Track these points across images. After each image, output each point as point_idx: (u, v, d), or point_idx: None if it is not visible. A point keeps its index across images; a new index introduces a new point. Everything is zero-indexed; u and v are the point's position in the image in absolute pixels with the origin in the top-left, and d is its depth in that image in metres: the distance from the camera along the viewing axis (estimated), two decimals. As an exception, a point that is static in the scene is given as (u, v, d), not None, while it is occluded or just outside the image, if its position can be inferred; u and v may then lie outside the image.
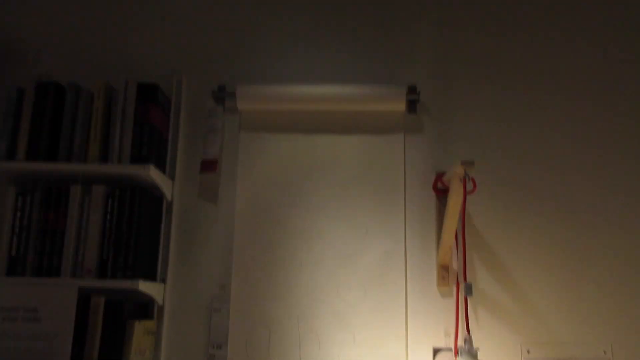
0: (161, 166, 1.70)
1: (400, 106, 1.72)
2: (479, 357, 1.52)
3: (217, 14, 1.89)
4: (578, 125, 1.76)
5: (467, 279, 1.64)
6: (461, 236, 1.53)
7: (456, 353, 1.57)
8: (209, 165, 1.74)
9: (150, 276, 1.65)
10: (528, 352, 1.60)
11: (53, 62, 1.86)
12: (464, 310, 1.60)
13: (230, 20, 1.88)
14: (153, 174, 1.58)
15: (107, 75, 1.71)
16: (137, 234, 1.56)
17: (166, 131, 1.76)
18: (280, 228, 1.70)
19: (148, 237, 1.63)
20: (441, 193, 1.71)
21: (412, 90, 1.77)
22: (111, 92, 1.66)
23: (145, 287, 1.55)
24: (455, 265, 1.67)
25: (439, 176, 1.70)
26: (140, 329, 1.54)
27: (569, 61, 1.81)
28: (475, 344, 1.58)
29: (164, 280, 1.69)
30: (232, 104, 1.79)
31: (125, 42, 1.87)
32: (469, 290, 1.47)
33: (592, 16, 1.83)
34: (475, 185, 1.55)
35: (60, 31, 1.89)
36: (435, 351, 1.61)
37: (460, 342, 1.57)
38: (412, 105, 1.77)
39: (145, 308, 1.66)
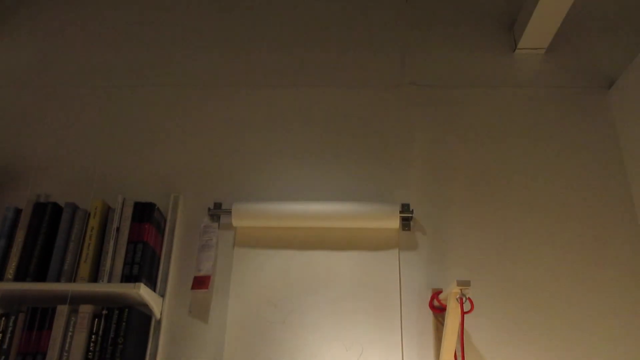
0: (152, 283, 1.68)
1: (394, 223, 1.74)
2: None
3: (213, 135, 1.97)
4: (574, 244, 1.77)
5: (470, 406, 1.55)
6: (461, 356, 1.47)
7: None
8: (201, 282, 1.72)
9: (134, 403, 1.55)
10: None
11: (52, 184, 1.90)
12: None
13: (227, 140, 1.96)
14: (143, 292, 1.55)
15: (104, 196, 1.74)
16: (121, 356, 1.49)
17: (159, 248, 1.75)
18: (273, 347, 1.65)
19: (134, 357, 1.56)
20: (438, 311, 1.67)
21: (405, 208, 1.81)
22: (107, 212, 1.68)
23: (127, 416, 1.45)
24: (456, 388, 1.58)
25: (435, 294, 1.68)
26: None
27: (563, 177, 1.86)
28: None
29: (148, 408, 1.59)
30: (227, 221, 1.81)
31: (123, 162, 1.93)
32: (471, 419, 1.39)
33: (586, 134, 1.92)
34: (472, 305, 1.52)
35: (61, 153, 1.95)
36: None
37: None
38: (405, 223, 1.80)
39: None
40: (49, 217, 1.64)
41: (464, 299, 1.42)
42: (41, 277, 1.58)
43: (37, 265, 1.59)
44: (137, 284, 1.54)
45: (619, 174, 1.86)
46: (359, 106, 2.00)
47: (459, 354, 1.57)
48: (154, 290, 1.69)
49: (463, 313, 1.43)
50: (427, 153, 1.91)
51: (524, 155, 1.90)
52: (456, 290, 1.42)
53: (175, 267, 1.77)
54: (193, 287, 1.71)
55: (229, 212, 1.78)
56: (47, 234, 1.63)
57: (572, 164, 1.88)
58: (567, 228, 1.79)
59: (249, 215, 1.75)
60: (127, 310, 1.55)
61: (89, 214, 1.65)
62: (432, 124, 1.96)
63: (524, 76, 2.03)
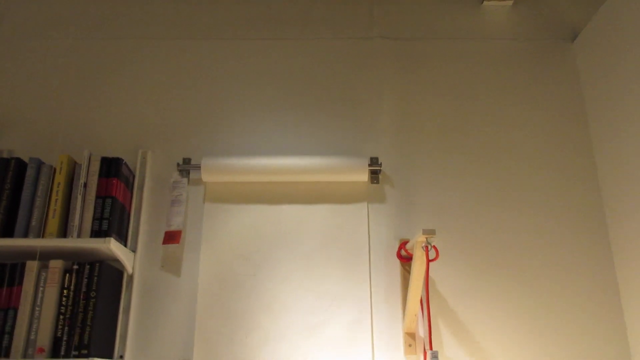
0: (123, 238, 1.69)
1: (363, 177, 1.76)
2: None
3: (182, 89, 1.94)
4: (535, 196, 1.83)
5: (433, 347, 1.63)
6: (426, 303, 1.53)
7: None
8: (172, 237, 1.73)
9: (108, 353, 1.58)
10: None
11: (16, 139, 1.85)
12: (432, 380, 1.57)
13: (195, 95, 1.93)
14: (113, 247, 1.56)
15: (71, 152, 1.71)
16: (94, 309, 1.51)
17: (129, 204, 1.75)
18: (244, 300, 1.68)
19: (106, 312, 1.58)
20: (405, 260, 1.72)
21: (374, 161, 1.83)
22: (74, 167, 1.66)
23: (101, 366, 1.48)
24: (421, 332, 1.65)
25: (403, 244, 1.72)
26: (94, 413, 1.46)
27: (528, 128, 1.90)
28: (445, 417, 1.55)
29: (121, 357, 1.62)
30: (197, 176, 1.81)
31: (90, 117, 1.90)
32: (435, 358, 1.46)
33: (538, 92, 1.96)
34: (437, 253, 1.57)
35: (25, 108, 1.90)
36: None
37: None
38: (374, 176, 1.82)
39: (102, 389, 1.58)
40: (13, 173, 1.61)
41: (429, 247, 1.46)
42: (8, 233, 1.56)
43: (3, 221, 1.57)
44: (107, 238, 1.54)
45: (582, 124, 1.91)
46: (327, 59, 1.99)
47: (424, 301, 1.63)
48: (125, 246, 1.70)
49: (428, 261, 1.48)
50: (396, 106, 1.93)
51: (490, 107, 1.93)
52: (422, 238, 1.46)
53: (145, 223, 1.78)
54: (164, 242, 1.73)
55: (198, 167, 1.78)
56: (11, 189, 1.60)
57: (537, 116, 1.92)
58: (531, 178, 1.85)
59: (218, 171, 1.75)
60: (98, 264, 1.55)
61: (55, 170, 1.63)
62: (400, 77, 1.97)
63: (491, 28, 2.04)
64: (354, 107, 1.92)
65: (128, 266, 1.68)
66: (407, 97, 1.94)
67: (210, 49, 2.00)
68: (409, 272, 1.71)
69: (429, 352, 1.47)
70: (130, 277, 1.70)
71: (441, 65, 1.98)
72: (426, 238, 1.46)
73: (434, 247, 1.50)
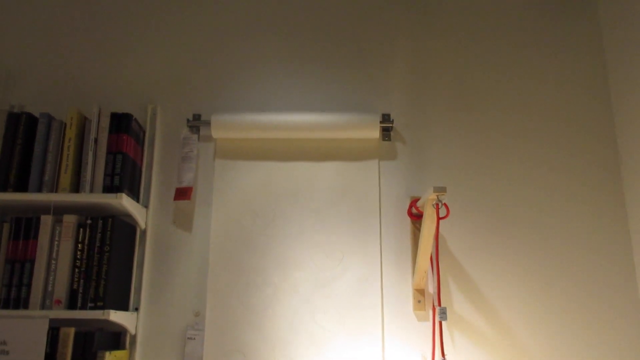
0: (135, 194, 1.70)
1: (375, 134, 1.74)
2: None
3: (191, 44, 1.91)
4: (550, 151, 1.80)
5: (443, 303, 1.65)
6: (435, 261, 1.54)
7: (433, 379, 1.56)
8: (183, 193, 1.74)
9: (123, 305, 1.63)
10: (505, 376, 1.60)
11: (25, 93, 1.85)
12: (439, 334, 1.60)
13: (205, 50, 1.90)
14: (125, 202, 1.57)
15: (81, 106, 1.71)
16: (108, 263, 1.54)
17: (140, 160, 1.76)
18: (255, 255, 1.70)
19: (120, 266, 1.61)
20: (416, 218, 1.72)
21: (385, 118, 1.81)
22: (84, 122, 1.66)
23: (116, 317, 1.52)
24: (431, 289, 1.67)
25: (414, 202, 1.72)
26: (111, 361, 1.51)
27: (547, 83, 1.85)
28: (452, 370, 1.58)
29: (136, 309, 1.66)
30: (207, 133, 1.80)
31: (100, 73, 1.88)
32: (443, 314, 1.47)
33: (571, 38, 1.89)
34: (448, 211, 1.57)
35: (34, 61, 1.89)
36: (413, 378, 1.60)
37: (437, 368, 1.57)
38: (386, 133, 1.80)
39: (118, 338, 1.62)
40: (24, 128, 1.62)
41: (440, 205, 1.45)
42: (22, 188, 1.58)
43: (16, 176, 1.59)
44: (118, 194, 1.55)
45: (601, 79, 1.86)
46: (339, 12, 1.93)
47: (434, 258, 1.64)
48: (137, 201, 1.71)
49: (439, 218, 1.47)
50: (409, 61, 1.88)
51: (508, 62, 1.88)
52: (432, 196, 1.45)
53: (157, 179, 1.78)
54: (175, 198, 1.73)
55: (208, 123, 1.77)
56: (23, 145, 1.61)
57: (555, 69, 1.87)
58: (548, 137, 1.81)
59: (228, 127, 1.74)
60: (111, 219, 1.57)
61: (65, 125, 1.63)
62: (414, 31, 1.91)
63: (510, -20, 1.96)
64: (366, 62, 1.88)
65: (141, 221, 1.70)
66: (421, 52, 1.89)
67: (219, 3, 1.95)
68: (419, 229, 1.71)
69: (437, 309, 1.49)
70: (143, 232, 1.72)
71: (457, 15, 1.92)
72: (437, 196, 1.45)
73: (445, 204, 1.49)
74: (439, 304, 1.59)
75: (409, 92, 1.85)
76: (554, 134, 1.81)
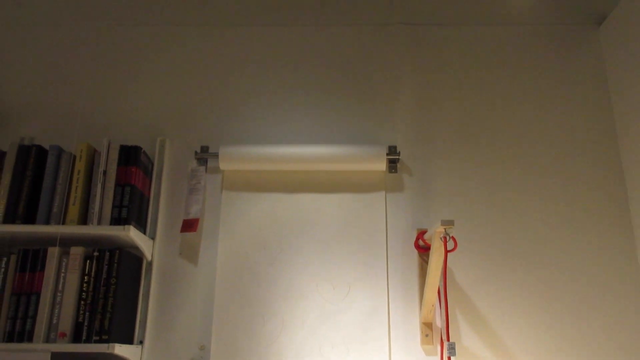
0: (142, 226, 1.70)
1: (381, 165, 1.75)
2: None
3: (199, 77, 1.93)
4: (557, 182, 1.79)
5: (451, 337, 1.62)
6: (443, 294, 1.52)
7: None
8: (190, 225, 1.74)
9: (128, 339, 1.61)
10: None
11: (37, 126, 1.88)
12: (448, 371, 1.57)
13: (213, 83, 1.92)
14: (133, 234, 1.57)
15: (91, 139, 1.73)
16: (114, 295, 1.53)
17: (148, 191, 1.76)
18: (262, 287, 1.69)
19: (126, 298, 1.61)
20: (423, 250, 1.71)
21: (392, 150, 1.81)
22: (94, 155, 1.68)
23: (121, 350, 1.51)
24: (438, 323, 1.65)
25: (420, 234, 1.71)
26: (115, 397, 1.49)
27: (552, 116, 1.86)
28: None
29: (141, 343, 1.64)
30: (215, 164, 1.81)
31: (110, 106, 1.90)
32: (452, 350, 1.45)
33: (562, 78, 1.90)
34: (455, 244, 1.56)
35: (45, 95, 1.92)
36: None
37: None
38: (392, 165, 1.80)
39: (122, 373, 1.60)
40: (34, 160, 1.64)
41: (447, 238, 1.44)
42: (30, 219, 1.59)
43: (25, 208, 1.59)
44: (126, 226, 1.55)
45: (606, 112, 1.86)
46: (345, 46, 1.96)
47: (441, 291, 1.62)
48: (144, 233, 1.71)
49: (446, 251, 1.46)
50: (415, 94, 1.90)
51: (513, 95, 1.89)
52: (440, 229, 1.44)
53: (164, 210, 1.79)
54: (182, 230, 1.73)
55: (216, 155, 1.78)
56: (33, 177, 1.62)
57: (560, 103, 1.87)
58: (554, 168, 1.81)
59: (235, 159, 1.75)
60: (118, 251, 1.57)
61: (75, 157, 1.64)
62: (420, 64, 1.93)
63: (514, 13, 1.98)
64: (372, 95, 1.89)
65: (147, 253, 1.70)
66: (427, 85, 1.91)
67: (227, 36, 1.98)
68: (426, 262, 1.69)
69: (446, 343, 1.46)
70: (150, 264, 1.72)
71: (462, 52, 1.94)
72: (444, 229, 1.44)
73: (453, 237, 1.48)
74: (448, 339, 1.56)
75: (415, 123, 1.86)
76: (561, 165, 1.81)
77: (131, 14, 2.02)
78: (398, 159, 1.80)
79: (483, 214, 1.76)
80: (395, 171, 1.80)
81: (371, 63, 1.93)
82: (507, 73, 1.92)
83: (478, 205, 1.77)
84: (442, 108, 1.88)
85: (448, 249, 1.47)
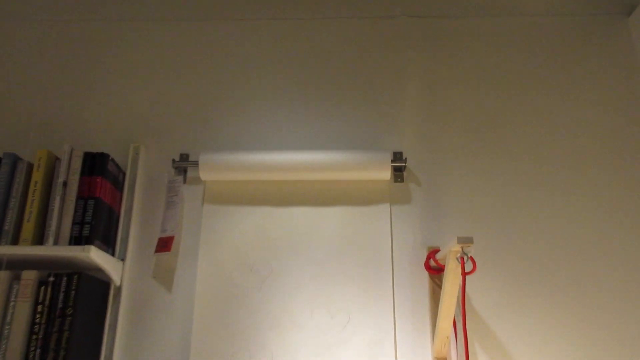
0: (110, 246, 1.51)
1: (385, 174, 1.57)
2: None
3: (179, 75, 1.76)
4: (588, 191, 1.60)
5: (470, 377, 1.39)
6: (461, 324, 1.30)
7: None
8: (165, 244, 1.53)
9: (89, 380, 1.39)
10: None
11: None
12: (468, 417, 1.34)
13: (194, 82, 1.75)
14: (95, 256, 1.37)
15: (55, 147, 1.56)
16: (71, 328, 1.31)
17: (118, 206, 1.56)
18: (248, 316, 1.49)
19: (88, 330, 1.40)
20: (435, 272, 1.52)
21: (397, 156, 1.64)
22: (54, 164, 1.49)
23: (79, 395, 1.28)
24: (454, 358, 1.43)
25: (432, 253, 1.51)
26: None
27: (576, 117, 1.68)
28: None
29: (106, 384, 1.42)
30: (195, 174, 1.64)
31: (76, 108, 1.73)
32: (473, 394, 1.22)
33: (589, 76, 1.72)
34: (474, 265, 1.35)
35: (3, 99, 1.74)
36: None
37: None
38: (398, 173, 1.64)
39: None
40: (-18, 171, 1.44)
41: (465, 258, 1.24)
42: (-25, 239, 1.38)
43: (-32, 226, 1.39)
44: (86, 246, 1.35)
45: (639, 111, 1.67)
46: (344, 40, 1.78)
47: (458, 320, 1.40)
48: (112, 254, 1.52)
49: (464, 274, 1.25)
50: (422, 94, 1.72)
51: (534, 93, 1.71)
52: (457, 248, 1.25)
53: (137, 228, 1.60)
54: (157, 250, 1.54)
55: (196, 164, 1.61)
56: (-21, 189, 1.42)
57: (586, 102, 1.69)
58: (581, 175, 1.62)
59: (218, 168, 1.57)
60: (76, 276, 1.36)
61: (32, 166, 1.46)
62: (427, 61, 1.76)
63: (533, 3, 1.81)
64: (374, 95, 1.72)
65: (115, 277, 1.49)
66: (435, 83, 1.73)
67: (211, 30, 1.81)
68: (439, 286, 1.50)
69: (465, 386, 1.23)
70: (118, 289, 1.51)
71: (474, 47, 1.77)
72: (462, 247, 1.24)
73: (471, 258, 1.27)
74: (467, 378, 1.33)
75: (424, 127, 1.68)
76: (592, 172, 1.61)
77: (99, 7, 1.85)
78: (404, 166, 1.62)
79: (503, 229, 1.57)
80: (402, 180, 1.62)
81: (372, 59, 1.76)
82: (527, 69, 1.74)
83: (497, 219, 1.58)
84: (453, 109, 1.70)
85: (466, 270, 1.26)
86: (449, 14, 1.81)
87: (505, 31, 1.78)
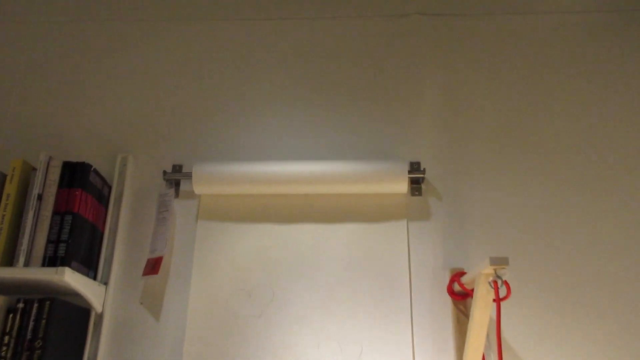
0: (91, 268, 1.38)
1: (402, 187, 1.46)
2: None
3: (172, 79, 1.65)
4: (633, 206, 1.45)
5: (505, 423, 1.22)
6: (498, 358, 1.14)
7: None
8: (154, 266, 1.39)
9: None
10: None
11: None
12: None
13: (188, 86, 1.64)
14: (69, 279, 1.22)
15: (30, 156, 1.44)
16: (40, 364, 1.15)
17: (102, 223, 1.43)
18: (246, 347, 1.37)
19: (65, 365, 1.23)
20: (459, 298, 1.38)
21: (415, 167, 1.52)
22: (30, 175, 1.37)
23: None
24: (484, 398, 1.26)
25: (456, 275, 1.38)
26: None
27: (611, 123, 1.55)
28: None
29: None
30: (189, 188, 1.51)
31: (58, 115, 1.62)
32: None
33: (624, 77, 1.59)
34: (509, 290, 1.19)
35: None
36: None
37: None
38: (415, 186, 1.52)
39: None
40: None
41: (499, 283, 1.07)
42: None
43: None
44: (60, 268, 1.21)
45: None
46: (354, 41, 1.67)
47: (488, 355, 1.23)
48: (93, 277, 1.38)
49: (499, 300, 1.08)
50: (440, 98, 1.60)
51: (561, 96, 1.58)
52: (489, 270, 1.09)
53: (122, 248, 1.47)
54: (145, 273, 1.40)
55: (189, 176, 1.49)
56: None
57: (625, 105, 1.55)
58: (623, 190, 1.47)
59: (214, 180, 1.45)
60: (48, 302, 1.20)
61: (5, 177, 1.33)
62: (444, 62, 1.64)
63: (564, -3, 1.71)
64: (386, 99, 1.60)
65: (96, 303, 1.35)
66: (454, 85, 1.61)
67: (207, 31, 1.71)
68: (464, 313, 1.36)
69: None
70: (99, 316, 1.38)
71: (495, 47, 1.65)
72: (495, 270, 1.09)
73: (505, 282, 1.10)
74: None
75: (443, 134, 1.56)
76: (633, 188, 1.47)
77: (88, 7, 1.75)
78: (423, 177, 1.50)
79: (535, 248, 1.43)
80: (420, 194, 1.50)
81: (384, 61, 1.65)
82: (555, 70, 1.62)
83: (527, 237, 1.44)
84: (475, 114, 1.58)
85: (500, 296, 1.10)
86: (466, 12, 1.70)
87: (530, 29, 1.67)
